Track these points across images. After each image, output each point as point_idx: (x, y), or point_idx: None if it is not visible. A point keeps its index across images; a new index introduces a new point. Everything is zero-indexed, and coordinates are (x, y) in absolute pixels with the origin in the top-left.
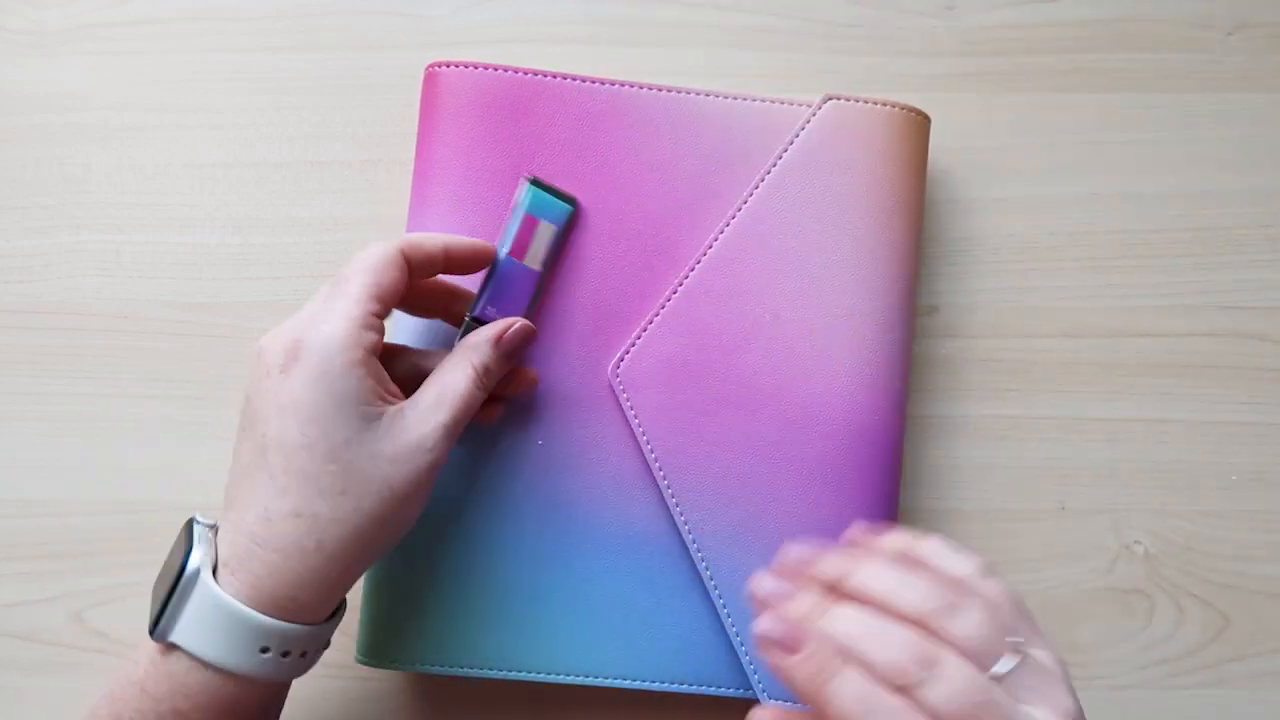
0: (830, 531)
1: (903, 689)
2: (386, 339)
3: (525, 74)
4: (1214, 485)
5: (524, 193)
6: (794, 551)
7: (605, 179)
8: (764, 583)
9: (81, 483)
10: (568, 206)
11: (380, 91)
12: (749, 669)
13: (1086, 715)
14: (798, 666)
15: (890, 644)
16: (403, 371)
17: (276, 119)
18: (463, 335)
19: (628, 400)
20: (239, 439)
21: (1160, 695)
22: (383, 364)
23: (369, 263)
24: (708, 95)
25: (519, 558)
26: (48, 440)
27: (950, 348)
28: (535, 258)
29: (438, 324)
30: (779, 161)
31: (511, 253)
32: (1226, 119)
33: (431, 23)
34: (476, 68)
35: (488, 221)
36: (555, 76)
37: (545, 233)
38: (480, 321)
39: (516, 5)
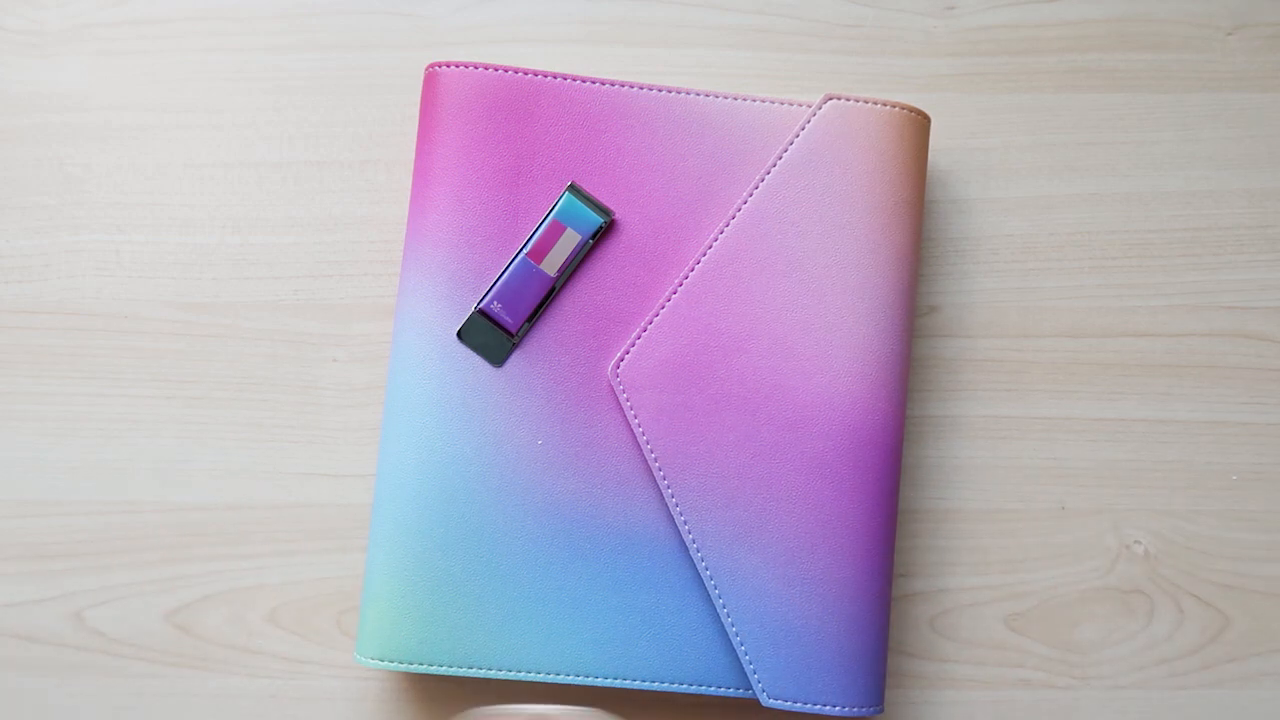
0: (830, 531)
1: None
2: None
3: (525, 74)
4: (1214, 485)
5: (559, 198)
6: None
7: (605, 179)
8: None
9: (81, 483)
10: (599, 219)
11: (380, 91)
12: (749, 669)
13: (1087, 715)
14: None
15: None
16: None
17: (276, 119)
18: (466, 328)
19: (628, 400)
20: None
21: (1160, 695)
22: None
23: None
24: (708, 95)
25: (519, 557)
26: (48, 440)
27: (950, 348)
28: (553, 264)
29: (439, 320)
30: (779, 162)
31: (530, 255)
32: (1226, 119)
33: (431, 23)
34: (476, 68)
35: (487, 222)
36: (555, 76)
37: (569, 241)
38: (486, 316)
39: (516, 5)
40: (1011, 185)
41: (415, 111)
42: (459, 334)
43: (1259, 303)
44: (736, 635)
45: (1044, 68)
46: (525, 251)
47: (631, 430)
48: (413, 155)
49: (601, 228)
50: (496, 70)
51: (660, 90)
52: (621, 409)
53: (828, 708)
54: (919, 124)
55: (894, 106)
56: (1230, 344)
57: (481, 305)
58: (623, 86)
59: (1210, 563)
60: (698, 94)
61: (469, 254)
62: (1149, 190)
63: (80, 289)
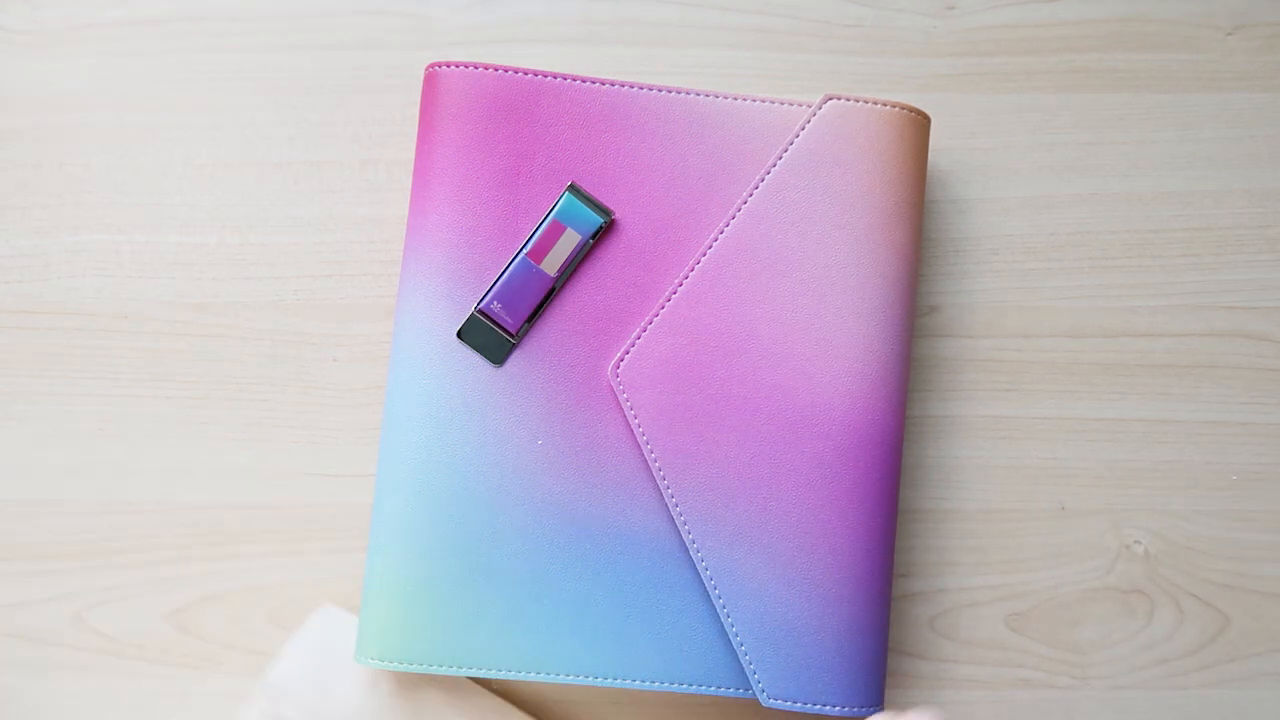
0: (830, 531)
1: None
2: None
3: (525, 74)
4: (1214, 485)
5: (559, 198)
6: None
7: (605, 179)
8: None
9: (81, 483)
10: (599, 219)
11: (380, 91)
12: (749, 669)
13: (1087, 715)
14: None
15: None
16: None
17: (276, 119)
18: (466, 328)
19: (628, 400)
20: None
21: (1160, 695)
22: None
23: None
24: (707, 95)
25: (519, 558)
26: (48, 440)
27: (950, 348)
28: (553, 264)
29: (439, 320)
30: (779, 162)
31: (530, 255)
32: (1226, 119)
33: (431, 23)
34: (476, 68)
35: (487, 222)
36: (555, 76)
37: (569, 241)
38: (485, 315)
39: (516, 5)
40: (1011, 185)
41: (415, 111)
42: (459, 334)
43: (1259, 303)
44: (736, 635)
45: (1044, 68)
46: (525, 251)
47: (631, 430)
48: (413, 155)
49: (601, 228)
50: (496, 70)
51: (660, 90)
52: (621, 409)
53: (828, 708)
54: (919, 124)
55: (894, 106)
56: (1230, 344)
57: (481, 305)
58: (623, 86)
59: (1210, 563)
60: (698, 94)
61: (469, 254)
62: (1149, 190)
63: (80, 289)
